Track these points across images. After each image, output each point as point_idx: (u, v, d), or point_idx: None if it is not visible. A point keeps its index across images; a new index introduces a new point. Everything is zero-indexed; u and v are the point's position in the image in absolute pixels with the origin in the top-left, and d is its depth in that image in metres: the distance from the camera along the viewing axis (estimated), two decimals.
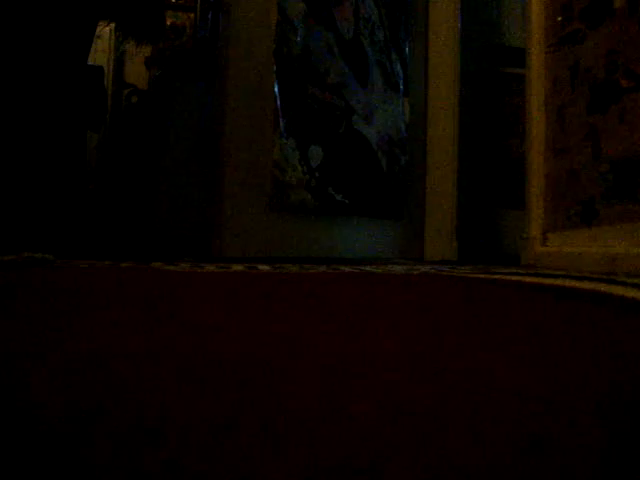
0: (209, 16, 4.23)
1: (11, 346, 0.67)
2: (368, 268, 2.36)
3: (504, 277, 1.81)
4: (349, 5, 3.24)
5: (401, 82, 3.54)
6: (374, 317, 1.01)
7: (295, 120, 3.02)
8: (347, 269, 2.24)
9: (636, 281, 1.53)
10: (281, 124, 2.98)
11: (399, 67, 3.53)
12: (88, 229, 3.25)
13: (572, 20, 2.43)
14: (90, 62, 3.27)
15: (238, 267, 2.15)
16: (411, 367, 0.62)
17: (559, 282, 1.57)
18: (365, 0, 3.32)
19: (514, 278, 1.77)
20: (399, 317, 1.02)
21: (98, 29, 3.34)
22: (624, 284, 1.45)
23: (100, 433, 0.39)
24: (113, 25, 3.75)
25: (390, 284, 1.75)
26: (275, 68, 2.98)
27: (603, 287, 1.38)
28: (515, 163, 3.62)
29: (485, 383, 0.55)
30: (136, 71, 4.33)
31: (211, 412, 0.44)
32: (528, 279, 1.70)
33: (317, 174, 3.08)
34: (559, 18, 2.53)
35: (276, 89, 2.98)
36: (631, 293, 1.26)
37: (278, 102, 2.98)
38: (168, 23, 4.14)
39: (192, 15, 4.38)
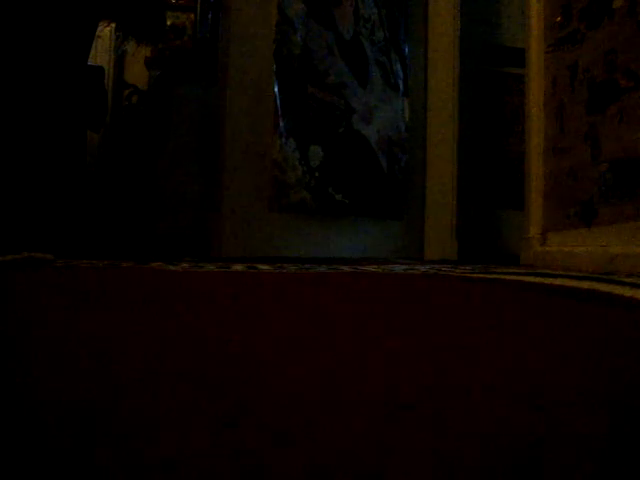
0: (209, 16, 4.24)
1: (11, 347, 0.67)
2: (368, 268, 2.36)
3: (504, 277, 1.81)
4: (349, 5, 3.24)
5: (401, 82, 3.54)
6: (374, 317, 1.01)
7: (295, 120, 3.02)
8: (347, 269, 2.24)
9: (635, 280, 1.53)
10: (281, 124, 2.98)
11: (399, 67, 3.54)
12: (88, 229, 3.25)
13: (571, 20, 2.43)
14: (90, 62, 3.27)
15: (238, 267, 2.15)
16: (413, 373, 0.62)
17: (558, 282, 1.57)
18: (365, 0, 3.32)
19: (513, 278, 1.77)
20: (396, 317, 1.03)
21: (98, 29, 3.34)
22: (623, 283, 1.45)
23: (100, 432, 0.39)
24: (113, 25, 3.75)
25: (390, 284, 1.75)
26: (275, 68, 2.98)
27: (602, 287, 1.38)
28: (514, 163, 3.62)
29: (489, 375, 0.56)
30: (136, 71, 4.32)
31: (211, 410, 0.44)
32: (527, 279, 1.70)
33: (317, 174, 3.08)
34: (558, 18, 2.53)
35: (276, 89, 2.98)
36: (630, 292, 1.27)
37: (278, 102, 2.98)
38: (168, 23, 4.14)
39: (192, 15, 4.38)
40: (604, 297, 1.24)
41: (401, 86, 3.55)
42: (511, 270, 2.18)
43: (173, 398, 0.47)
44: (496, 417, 0.45)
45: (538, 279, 1.67)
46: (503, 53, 3.95)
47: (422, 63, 3.65)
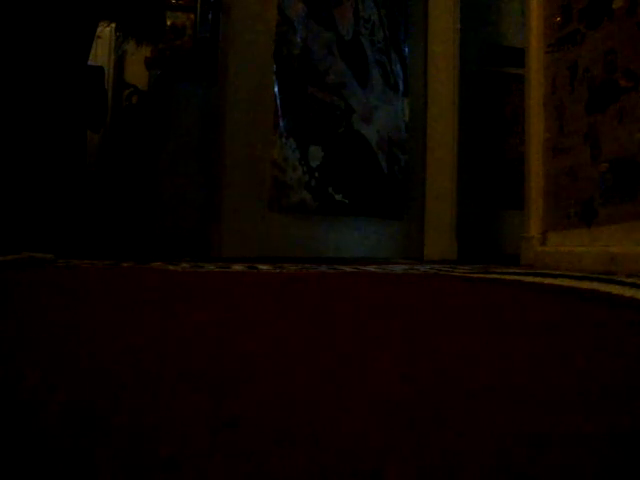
0: (209, 16, 4.24)
1: (12, 347, 0.67)
2: (368, 268, 2.36)
3: (504, 277, 1.81)
4: (349, 5, 3.24)
5: (401, 82, 3.54)
6: (374, 317, 1.01)
7: (295, 120, 3.03)
8: (347, 269, 2.24)
9: (635, 281, 1.53)
10: (281, 124, 2.98)
11: (399, 67, 3.54)
12: (88, 229, 3.25)
13: (571, 20, 2.43)
14: (90, 62, 3.27)
15: (238, 267, 2.15)
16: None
17: (558, 282, 1.57)
18: (365, 0, 3.32)
19: (513, 278, 1.77)
20: (397, 317, 1.03)
21: (98, 29, 3.34)
22: (623, 283, 1.45)
23: (100, 432, 0.39)
24: (113, 25, 3.75)
25: (390, 284, 1.75)
26: (275, 68, 2.98)
27: (602, 287, 1.38)
28: (514, 163, 3.62)
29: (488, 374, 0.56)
30: (136, 71, 4.32)
31: (211, 410, 0.44)
32: (527, 279, 1.70)
33: (317, 174, 3.08)
34: (558, 18, 2.53)
35: (276, 89, 2.98)
36: (630, 292, 1.27)
37: (278, 102, 2.98)
38: (168, 23, 4.13)
39: (192, 15, 4.38)
40: (604, 297, 1.24)
41: (401, 86, 3.54)
42: (511, 270, 2.18)
43: (173, 398, 0.47)
44: (496, 417, 0.45)
45: (538, 279, 1.67)
46: (503, 53, 3.95)
47: (422, 63, 3.65)
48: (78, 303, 1.08)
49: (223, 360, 0.62)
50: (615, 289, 1.32)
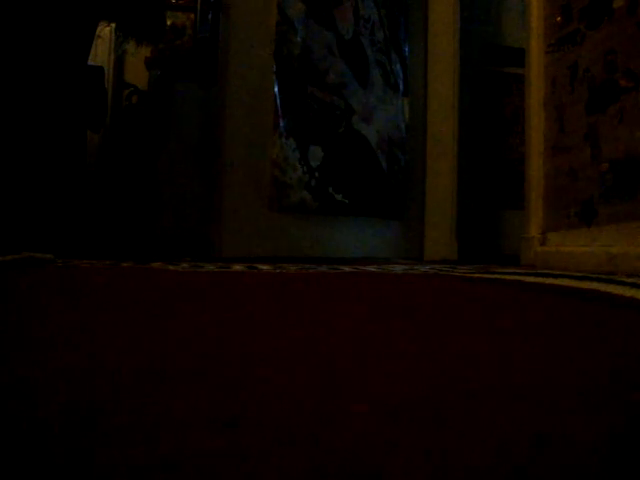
0: (209, 16, 4.23)
1: (12, 347, 0.67)
2: (368, 268, 2.36)
3: (504, 277, 1.81)
4: (349, 5, 3.24)
5: (401, 82, 3.54)
6: (374, 318, 1.01)
7: (295, 120, 3.02)
8: (347, 269, 2.24)
9: (635, 281, 1.53)
10: (281, 124, 2.98)
11: (399, 67, 3.53)
12: (88, 229, 3.25)
13: (571, 20, 2.43)
14: (90, 62, 3.27)
15: (238, 267, 2.15)
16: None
17: (559, 282, 1.57)
18: (365, 0, 3.32)
19: (514, 278, 1.77)
20: (397, 317, 1.02)
21: (98, 29, 3.34)
22: (623, 283, 1.45)
23: (100, 432, 0.39)
24: (113, 25, 3.75)
25: (390, 284, 1.75)
26: (275, 68, 2.98)
27: (602, 287, 1.38)
28: (515, 163, 3.62)
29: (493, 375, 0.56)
30: (136, 71, 4.32)
31: (211, 410, 0.44)
32: (528, 279, 1.70)
33: (317, 174, 3.08)
34: (558, 18, 2.53)
35: (276, 89, 2.98)
36: (630, 292, 1.26)
37: (278, 102, 2.98)
38: (168, 23, 4.13)
39: (192, 15, 4.38)
40: (605, 297, 1.24)
41: (401, 86, 3.54)
42: (511, 270, 2.18)
43: (173, 398, 0.47)
44: (496, 417, 0.45)
45: (539, 279, 1.67)
46: (503, 53, 3.94)
47: (422, 63, 3.65)
48: (78, 303, 1.08)
49: (223, 360, 0.62)
50: (616, 289, 1.32)
